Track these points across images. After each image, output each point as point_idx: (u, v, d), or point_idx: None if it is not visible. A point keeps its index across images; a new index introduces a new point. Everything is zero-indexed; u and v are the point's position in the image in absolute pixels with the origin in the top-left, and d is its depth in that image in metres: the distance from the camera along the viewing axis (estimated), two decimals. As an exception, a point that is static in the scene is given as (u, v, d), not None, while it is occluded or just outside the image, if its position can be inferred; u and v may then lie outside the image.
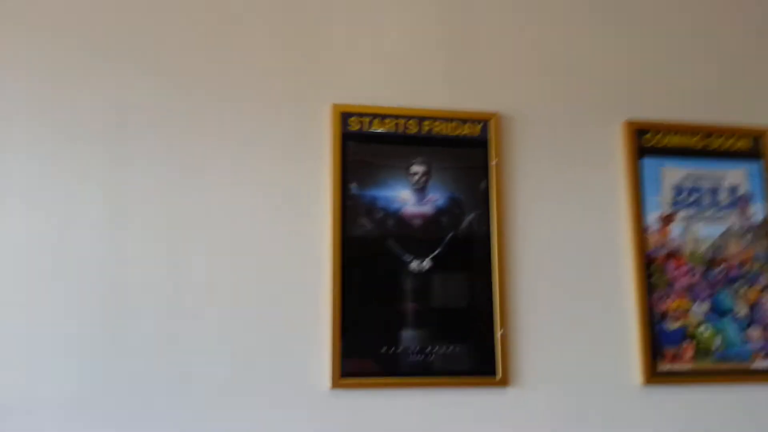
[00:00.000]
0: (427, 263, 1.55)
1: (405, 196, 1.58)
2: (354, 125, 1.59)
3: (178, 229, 1.48)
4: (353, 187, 1.56)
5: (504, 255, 1.58)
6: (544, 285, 1.59)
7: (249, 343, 1.45)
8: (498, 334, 1.53)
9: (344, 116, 1.59)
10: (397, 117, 1.62)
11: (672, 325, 1.63)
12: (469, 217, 1.59)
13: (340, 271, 1.49)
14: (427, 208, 1.58)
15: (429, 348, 1.50)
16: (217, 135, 1.55)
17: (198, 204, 1.50)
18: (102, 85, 1.51)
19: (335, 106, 1.59)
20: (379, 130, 1.61)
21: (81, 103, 1.50)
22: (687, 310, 1.65)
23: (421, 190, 1.59)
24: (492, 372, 1.52)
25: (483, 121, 1.65)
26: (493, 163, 1.63)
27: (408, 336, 1.50)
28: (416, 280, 1.53)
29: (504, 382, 1.51)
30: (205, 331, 1.44)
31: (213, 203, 1.51)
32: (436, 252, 1.56)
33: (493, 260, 1.57)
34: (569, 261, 1.62)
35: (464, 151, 1.63)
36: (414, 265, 1.54)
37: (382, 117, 1.61)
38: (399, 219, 1.56)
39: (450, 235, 1.57)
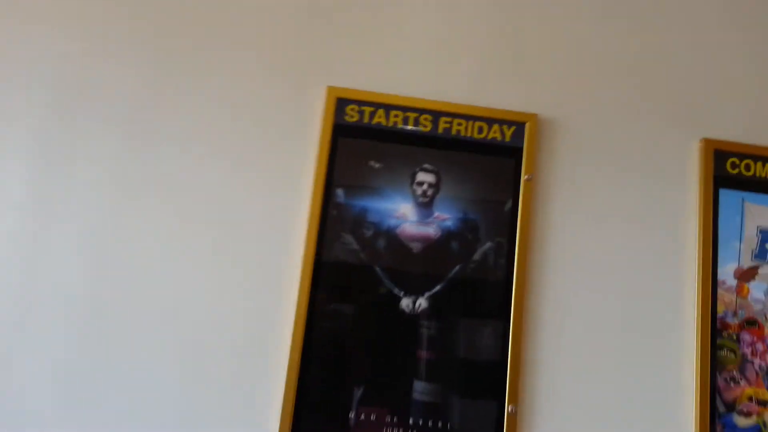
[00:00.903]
0: (422, 303, 1.20)
1: (405, 212, 1.23)
2: (352, 115, 1.26)
3: (108, 241, 1.19)
4: (340, 194, 1.22)
5: (526, 304, 1.22)
6: (575, 350, 1.22)
7: (178, 398, 1.15)
8: (507, 410, 1.17)
9: (340, 103, 1.25)
10: (407, 109, 1.27)
11: (742, 421, 1.24)
12: (485, 247, 1.23)
13: (307, 306, 1.16)
14: (431, 230, 1.23)
15: (412, 419, 1.16)
16: (176, 120, 1.24)
17: (137, 209, 1.20)
18: (51, 57, 1.23)
19: (331, 90, 1.26)
20: (382, 124, 1.26)
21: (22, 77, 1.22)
22: (765, 403, 1.25)
23: (426, 205, 1.24)
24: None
25: (517, 123, 1.28)
26: (525, 177, 1.26)
27: (387, 401, 1.16)
28: (405, 325, 1.19)
29: (507, 466, 1.16)
30: (124, 370, 1.14)
31: (155, 205, 1.20)
32: (437, 289, 1.21)
33: (512, 309, 1.20)
34: (613, 321, 1.24)
35: (489, 161, 1.27)
36: (405, 303, 1.20)
37: (389, 108, 1.27)
38: (393, 240, 1.22)
39: (457, 268, 1.22)
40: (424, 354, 1.16)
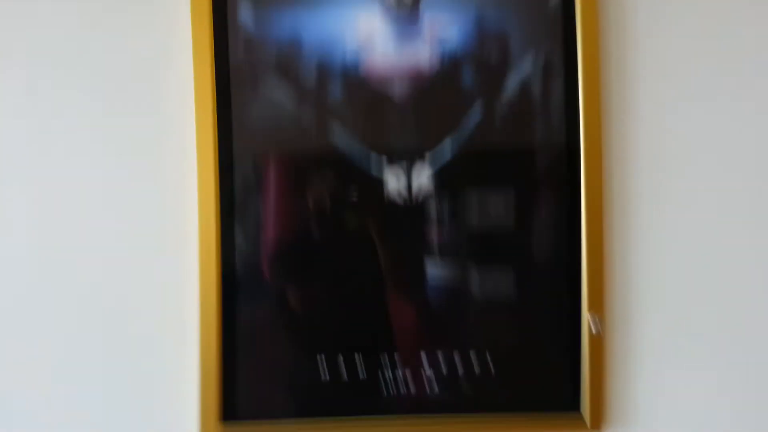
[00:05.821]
0: (422, 182, 0.68)
1: (369, 30, 0.68)
2: None
3: None
4: (245, 14, 0.67)
5: (606, 167, 0.69)
6: (680, 228, 0.71)
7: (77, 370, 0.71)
8: (585, 321, 0.68)
9: None
10: None
11: None
12: (523, 72, 0.68)
13: (218, 211, 0.66)
14: (422, 56, 0.68)
15: (432, 366, 0.68)
16: None
17: None
18: None
19: None
20: None
21: None
22: None
23: (407, 13, 0.68)
24: (571, 404, 0.70)
25: None
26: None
27: (379, 344, 0.68)
28: (398, 221, 0.68)
29: (596, 426, 0.71)
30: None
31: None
32: (446, 158, 0.68)
33: (584, 176, 0.68)
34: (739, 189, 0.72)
35: None
36: (394, 184, 0.68)
37: None
38: (356, 86, 0.68)
39: (477, 111, 0.68)
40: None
